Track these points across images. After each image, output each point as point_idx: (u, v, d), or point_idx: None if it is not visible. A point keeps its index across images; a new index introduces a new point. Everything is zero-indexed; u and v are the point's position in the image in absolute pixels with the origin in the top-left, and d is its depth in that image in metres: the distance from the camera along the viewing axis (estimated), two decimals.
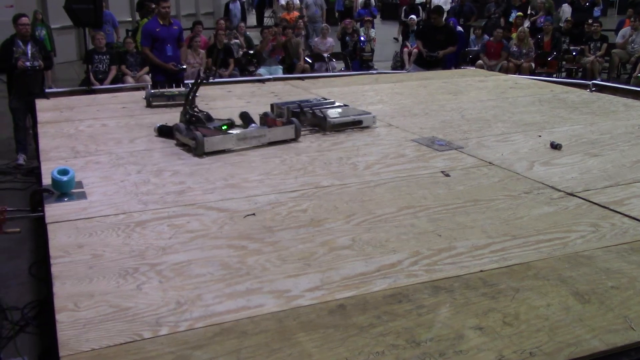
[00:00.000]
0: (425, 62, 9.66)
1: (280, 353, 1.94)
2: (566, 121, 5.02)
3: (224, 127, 4.36)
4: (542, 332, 2.05)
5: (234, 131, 4.31)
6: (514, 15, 14.15)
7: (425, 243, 2.73)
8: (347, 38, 13.76)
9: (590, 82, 8.18)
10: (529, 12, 15.26)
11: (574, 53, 12.38)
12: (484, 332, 2.05)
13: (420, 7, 16.92)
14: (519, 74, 10.23)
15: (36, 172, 5.70)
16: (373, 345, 1.97)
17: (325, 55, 12.67)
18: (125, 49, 10.74)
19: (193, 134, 4.08)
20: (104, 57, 10.15)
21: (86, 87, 9.04)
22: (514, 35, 12.75)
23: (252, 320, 2.12)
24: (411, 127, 4.78)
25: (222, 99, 5.91)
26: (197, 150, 4.00)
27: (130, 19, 15.70)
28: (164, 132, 4.51)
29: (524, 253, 2.64)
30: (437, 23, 9.84)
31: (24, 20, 7.66)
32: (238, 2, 15.98)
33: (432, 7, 12.84)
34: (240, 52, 12.24)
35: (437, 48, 9.63)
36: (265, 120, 4.66)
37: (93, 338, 2.00)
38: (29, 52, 7.52)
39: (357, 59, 13.02)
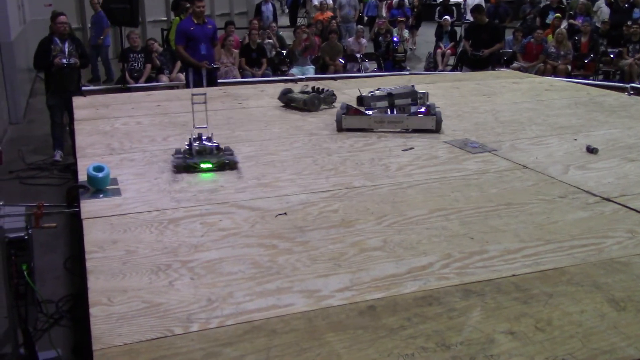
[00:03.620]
0: (472, 62, 9.65)
1: (310, 353, 1.94)
2: (603, 125, 4.93)
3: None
4: (576, 338, 2.02)
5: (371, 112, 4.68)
6: (551, 16, 13.94)
7: (457, 246, 2.71)
8: (380, 38, 13.74)
9: (628, 85, 8.03)
10: (568, 13, 15.02)
11: (611, 55, 12.15)
12: (516, 337, 2.02)
13: (454, 8, 16.76)
14: (555, 76, 10.09)
15: (72, 169, 5.81)
16: (403, 348, 1.96)
17: (358, 55, 12.67)
18: (149, 49, 10.79)
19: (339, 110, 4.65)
20: (139, 55, 10.30)
21: (122, 85, 9.22)
22: (549, 37, 12.57)
23: (282, 319, 2.13)
24: (444, 128, 4.74)
25: (255, 98, 5.94)
26: (337, 126, 4.59)
27: (165, 18, 15.88)
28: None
29: (557, 258, 2.60)
30: (480, 21, 9.82)
31: (63, 18, 7.79)
32: (270, 4, 16.05)
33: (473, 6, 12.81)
34: (273, 52, 12.31)
35: (482, 47, 9.60)
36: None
37: (125, 333, 2.03)
38: (66, 50, 7.66)
39: (390, 60, 12.99)
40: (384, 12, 18.21)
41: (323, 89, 5.57)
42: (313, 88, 5.53)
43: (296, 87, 5.86)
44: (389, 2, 17.53)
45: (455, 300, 2.26)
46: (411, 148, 4.16)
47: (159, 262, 2.52)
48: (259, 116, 5.14)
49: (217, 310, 2.18)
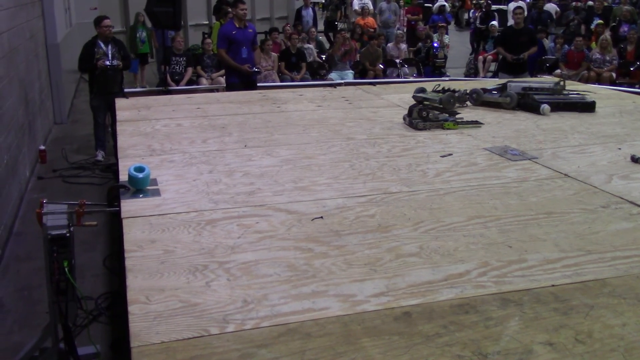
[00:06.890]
0: (512, 68, 9.54)
1: (344, 357, 1.94)
2: None
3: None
4: (617, 352, 1.97)
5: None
6: (595, 22, 13.69)
7: (495, 254, 2.67)
8: (420, 44, 13.66)
9: None
10: (612, 22, 14.72)
11: None
12: (555, 348, 1.99)
13: (496, 14, 16.58)
14: (599, 84, 9.89)
15: (113, 169, 5.92)
16: (438, 355, 1.94)
17: (398, 61, 12.63)
18: (201, 51, 11.00)
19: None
20: (181, 59, 10.45)
21: (163, 88, 9.36)
22: (593, 44, 12.35)
23: (317, 322, 2.13)
24: (483, 135, 4.69)
25: (293, 102, 5.97)
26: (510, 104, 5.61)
27: (206, 22, 16.09)
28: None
29: (599, 269, 2.55)
30: (518, 25, 9.75)
31: (108, 22, 7.96)
32: (310, 8, 16.11)
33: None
34: (312, 57, 12.36)
35: (522, 51, 9.49)
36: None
37: (163, 331, 2.05)
38: (110, 52, 7.82)
39: (430, 65, 12.91)
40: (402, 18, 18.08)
41: (456, 89, 5.68)
42: (443, 89, 5.63)
43: (429, 87, 5.94)
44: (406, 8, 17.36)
45: (492, 309, 2.22)
46: (450, 154, 4.13)
47: (196, 263, 2.54)
48: (297, 120, 5.17)
49: (253, 311, 2.19)
